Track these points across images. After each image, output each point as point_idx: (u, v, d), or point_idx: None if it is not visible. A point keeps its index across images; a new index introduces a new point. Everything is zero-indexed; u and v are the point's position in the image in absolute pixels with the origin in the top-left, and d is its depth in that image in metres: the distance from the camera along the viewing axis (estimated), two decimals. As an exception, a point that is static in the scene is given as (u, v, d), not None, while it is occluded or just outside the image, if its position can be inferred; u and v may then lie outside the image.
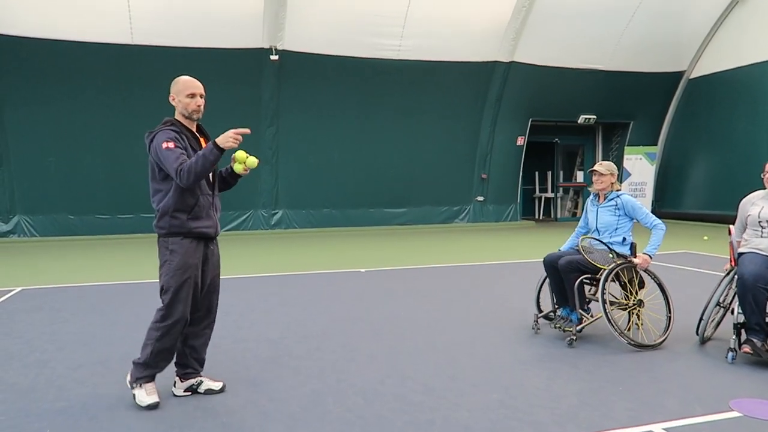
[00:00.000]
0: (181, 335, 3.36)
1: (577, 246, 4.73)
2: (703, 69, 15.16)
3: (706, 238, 11.35)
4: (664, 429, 3.02)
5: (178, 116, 3.34)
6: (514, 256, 9.50)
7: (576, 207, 17.54)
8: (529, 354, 4.27)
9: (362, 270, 8.09)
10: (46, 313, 5.62)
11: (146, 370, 3.29)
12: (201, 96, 3.33)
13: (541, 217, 17.22)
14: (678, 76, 15.50)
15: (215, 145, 3.10)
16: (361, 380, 3.73)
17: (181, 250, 3.23)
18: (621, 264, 4.49)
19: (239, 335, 4.78)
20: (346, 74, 13.04)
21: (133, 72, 11.88)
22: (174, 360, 3.45)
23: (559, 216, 17.16)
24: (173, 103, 3.33)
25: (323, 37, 12.44)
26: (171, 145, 3.15)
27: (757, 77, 13.58)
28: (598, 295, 4.38)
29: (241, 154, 3.32)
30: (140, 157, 12.87)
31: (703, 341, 4.50)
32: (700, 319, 4.51)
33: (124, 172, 12.28)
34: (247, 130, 3.15)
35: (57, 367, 4.01)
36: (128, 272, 8.02)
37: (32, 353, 4.34)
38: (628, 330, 4.54)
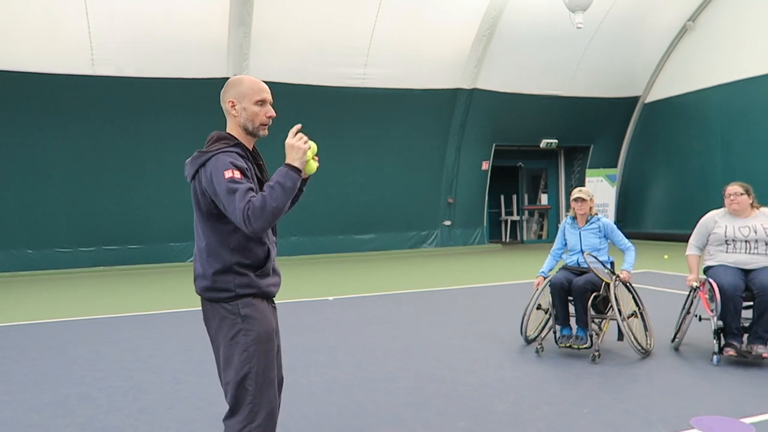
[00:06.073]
0: None
1: (580, 263, 5.06)
2: (657, 94, 15.74)
3: (666, 257, 11.65)
4: (627, 450, 3.06)
5: (234, 130, 2.40)
6: (482, 279, 9.58)
7: (541, 229, 17.84)
8: (496, 378, 4.30)
9: (330, 298, 8.05)
10: (1, 353, 5.42)
11: None
12: (271, 104, 2.43)
13: (507, 240, 17.44)
14: (634, 100, 16.05)
15: (290, 166, 2.23)
16: (325, 412, 3.69)
17: (258, 313, 2.31)
18: (616, 278, 4.83)
19: (203, 369, 4.69)
20: (311, 102, 13.12)
21: (94, 103, 11.73)
22: None
23: (525, 238, 17.41)
24: (232, 112, 2.38)
25: (288, 66, 12.53)
26: (237, 174, 2.20)
27: (707, 101, 14.17)
28: (613, 304, 4.69)
29: (313, 146, 2.32)
30: (102, 189, 12.62)
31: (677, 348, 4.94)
32: (679, 326, 4.94)
33: (86, 204, 12.05)
34: (298, 126, 2.35)
35: (16, 410, 3.86)
36: (89, 307, 7.81)
37: (-14, 396, 4.18)
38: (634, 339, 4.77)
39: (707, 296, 4.61)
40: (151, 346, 5.55)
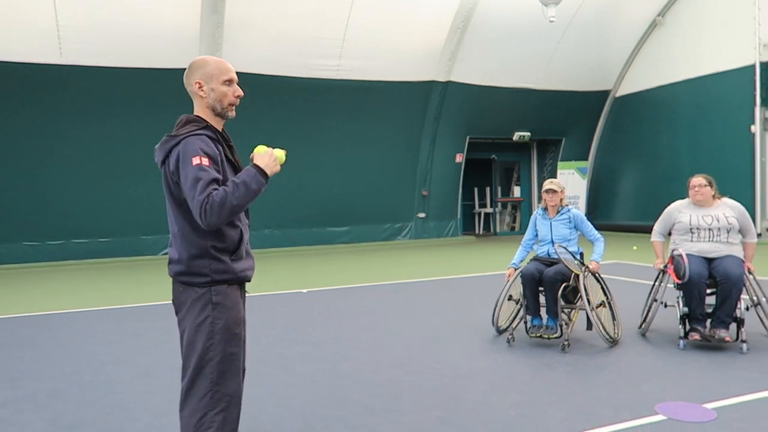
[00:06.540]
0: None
1: (551, 254, 5.13)
2: (627, 88, 16.01)
3: (635, 248, 11.89)
4: (595, 436, 3.15)
5: (203, 112, 2.36)
6: (455, 271, 9.67)
7: (514, 221, 18.04)
8: (468, 368, 4.36)
9: (304, 291, 8.04)
10: (-33, 349, 5.30)
11: None
12: (238, 84, 2.39)
13: (481, 232, 17.60)
14: (605, 94, 16.30)
15: (260, 170, 2.23)
16: (301, 403, 3.71)
17: (229, 302, 2.32)
18: (585, 269, 4.92)
19: (175, 362, 4.65)
20: (285, 94, 13.03)
21: (62, 92, 11.46)
22: None
23: (498, 230, 17.59)
24: (199, 93, 2.33)
25: (261, 56, 12.40)
26: (205, 162, 2.17)
27: (676, 96, 14.47)
28: (582, 294, 4.78)
29: (280, 153, 2.33)
30: (71, 181, 12.34)
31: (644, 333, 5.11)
32: (646, 313, 5.11)
33: (54, 196, 11.78)
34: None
35: (-21, 406, 3.79)
36: (59, 302, 7.67)
37: (-49, 392, 4.09)
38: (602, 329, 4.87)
39: (674, 270, 4.74)
40: (123, 339, 5.49)
